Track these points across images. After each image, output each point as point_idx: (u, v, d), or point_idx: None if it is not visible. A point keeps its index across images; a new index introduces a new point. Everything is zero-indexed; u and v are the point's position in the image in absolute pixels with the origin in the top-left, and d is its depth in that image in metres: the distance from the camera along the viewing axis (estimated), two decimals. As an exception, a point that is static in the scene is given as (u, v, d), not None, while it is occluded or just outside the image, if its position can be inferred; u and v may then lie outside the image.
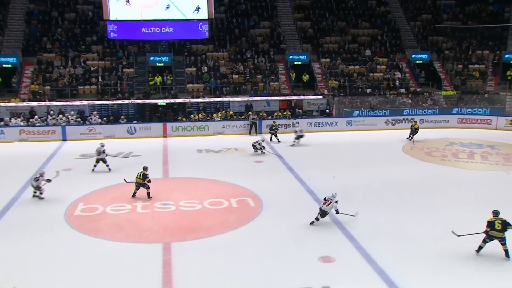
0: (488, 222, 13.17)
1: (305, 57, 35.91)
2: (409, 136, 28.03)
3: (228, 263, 12.87)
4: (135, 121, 30.06)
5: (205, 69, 34.30)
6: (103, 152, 21.17)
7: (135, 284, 11.80)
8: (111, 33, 30.47)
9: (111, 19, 29.66)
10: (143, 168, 17.98)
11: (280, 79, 34.80)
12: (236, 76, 34.21)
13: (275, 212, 16.60)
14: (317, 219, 15.31)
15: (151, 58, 33.84)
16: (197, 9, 30.44)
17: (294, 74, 35.08)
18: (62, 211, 16.52)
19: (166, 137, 29.07)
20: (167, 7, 29.76)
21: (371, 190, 19.04)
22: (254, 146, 24.72)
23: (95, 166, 21.29)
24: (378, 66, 36.69)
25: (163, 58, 33.95)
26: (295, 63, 35.77)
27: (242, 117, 30.91)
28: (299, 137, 26.79)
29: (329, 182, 19.81)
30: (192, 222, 15.69)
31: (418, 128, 28.00)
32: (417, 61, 37.39)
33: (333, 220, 15.81)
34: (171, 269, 12.52)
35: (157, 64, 33.83)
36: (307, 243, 14.15)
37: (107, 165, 21.30)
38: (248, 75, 34.33)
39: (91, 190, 18.78)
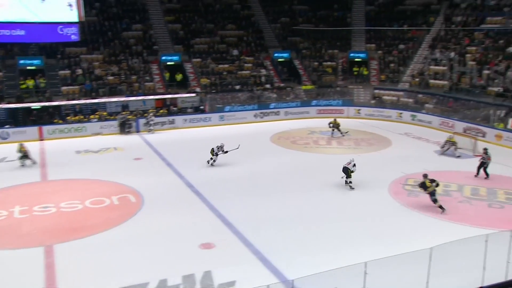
0: (421, 183, 15.96)
1: (178, 57, 35.58)
2: (332, 133, 27.54)
3: (113, 259, 12.44)
4: (7, 126, 27.56)
5: (80, 71, 32.44)
6: None
7: (16, 291, 10.93)
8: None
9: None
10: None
11: (155, 79, 34.08)
12: (112, 77, 32.84)
13: (156, 206, 16.36)
14: (345, 179, 18.09)
15: (21, 62, 31.08)
16: (70, 5, 28.71)
17: (168, 74, 34.56)
18: None
19: (42, 140, 27.07)
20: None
21: (245, 179, 19.52)
22: (215, 153, 21.21)
23: None
24: (245, 65, 37.50)
25: (35, 61, 31.35)
26: (168, 63, 35.26)
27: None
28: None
29: (206, 174, 20.00)
30: (74, 223, 14.88)
31: (333, 123, 27.66)
32: (279, 59, 38.88)
33: (210, 208, 16.00)
34: (54, 271, 11.78)
35: (28, 67, 31.22)
36: (188, 232, 14.17)
37: None
38: (123, 76, 33.14)
39: (-39, 199, 16.94)
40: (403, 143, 26.31)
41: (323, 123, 31.66)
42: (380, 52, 39.25)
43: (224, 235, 13.96)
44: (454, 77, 32.73)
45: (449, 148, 23.36)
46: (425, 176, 16.14)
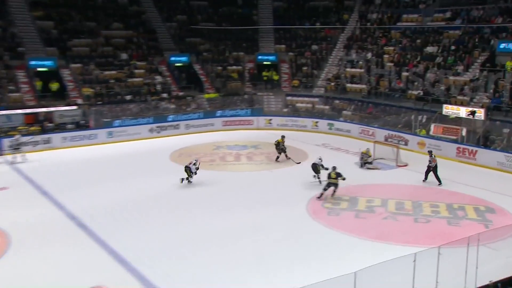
0: (328, 174, 19.28)
1: (52, 62, 34.14)
2: (278, 157, 25.76)
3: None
4: None
5: None
6: None
7: None
8: None
9: None
10: None
11: (22, 89, 32.32)
12: (-38, 87, 30.76)
13: (28, 245, 15.35)
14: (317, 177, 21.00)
15: None
16: None
17: (40, 83, 32.98)
18: None
19: None
20: None
21: (140, 205, 19.01)
22: (190, 171, 21.21)
23: None
24: (137, 71, 36.90)
25: None
26: (39, 69, 33.73)
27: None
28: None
29: (93, 202, 19.24)
30: None
31: (280, 142, 25.75)
32: (176, 64, 38.83)
33: (99, 243, 15.39)
34: None
35: None
36: (72, 274, 13.46)
37: None
38: (-22, 86, 31.15)
39: None
40: (321, 155, 27.10)
41: (229, 136, 32.04)
42: (291, 54, 40.60)
43: (118, 274, 13.44)
44: (372, 80, 34.64)
45: (366, 162, 24.60)
46: (334, 168, 19.38)
